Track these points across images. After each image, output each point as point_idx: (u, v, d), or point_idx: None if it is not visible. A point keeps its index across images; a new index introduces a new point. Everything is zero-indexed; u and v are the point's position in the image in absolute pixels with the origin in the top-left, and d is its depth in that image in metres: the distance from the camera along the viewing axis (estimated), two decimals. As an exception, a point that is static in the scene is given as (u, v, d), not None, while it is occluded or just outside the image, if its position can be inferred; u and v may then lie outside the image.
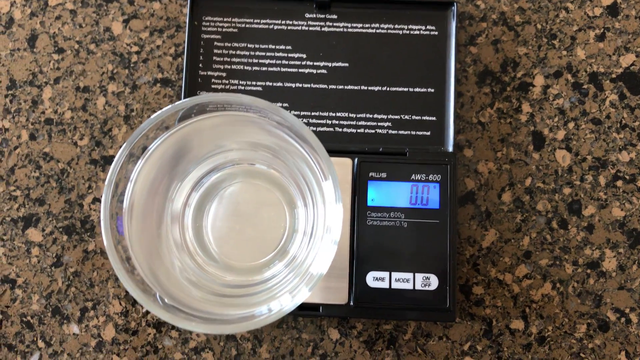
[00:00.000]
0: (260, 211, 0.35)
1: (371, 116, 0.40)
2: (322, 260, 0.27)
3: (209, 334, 0.39)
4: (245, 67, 0.41)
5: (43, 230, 0.40)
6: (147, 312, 0.39)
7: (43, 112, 0.42)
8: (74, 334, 0.39)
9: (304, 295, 0.26)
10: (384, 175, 0.38)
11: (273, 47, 0.41)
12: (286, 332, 0.39)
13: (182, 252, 0.33)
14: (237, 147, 0.34)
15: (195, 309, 0.29)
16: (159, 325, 0.39)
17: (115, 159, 0.28)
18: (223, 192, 0.35)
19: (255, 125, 0.32)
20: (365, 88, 0.40)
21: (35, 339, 0.39)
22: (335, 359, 0.38)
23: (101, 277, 0.40)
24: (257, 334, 0.39)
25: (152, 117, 0.28)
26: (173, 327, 0.39)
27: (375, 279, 0.37)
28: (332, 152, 0.38)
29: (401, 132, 0.40)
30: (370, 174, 0.38)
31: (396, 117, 0.40)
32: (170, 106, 0.28)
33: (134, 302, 0.39)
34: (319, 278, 0.26)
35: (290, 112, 0.40)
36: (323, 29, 0.41)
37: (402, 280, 0.37)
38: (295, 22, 0.41)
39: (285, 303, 0.26)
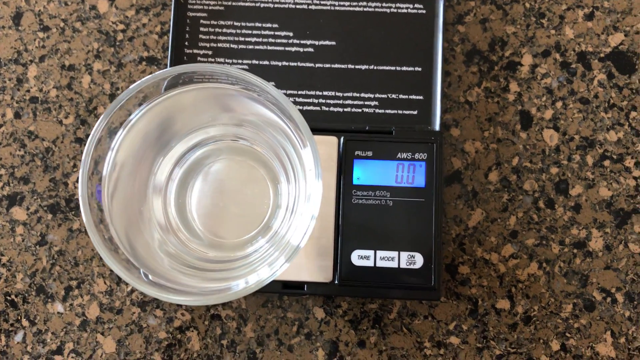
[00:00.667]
0: (244, 188, 0.35)
1: (358, 95, 0.40)
2: (300, 234, 0.27)
3: (193, 308, 0.39)
4: (232, 45, 0.40)
5: (27, 209, 0.40)
6: (132, 291, 0.39)
7: (28, 91, 0.41)
8: (58, 312, 0.39)
9: (281, 266, 0.26)
10: (369, 153, 0.38)
11: (260, 25, 0.40)
12: (271, 311, 0.39)
13: (164, 229, 0.33)
14: (220, 122, 0.33)
15: (175, 283, 0.29)
16: (143, 304, 0.39)
17: (92, 134, 0.28)
18: (207, 169, 0.35)
19: (238, 100, 0.32)
20: (352, 67, 0.40)
21: (19, 318, 0.39)
22: (320, 337, 0.38)
23: (86, 255, 0.40)
24: (242, 313, 0.38)
25: (131, 87, 0.27)
26: (157, 306, 0.39)
27: (360, 257, 0.36)
28: (318, 131, 0.38)
29: (388, 111, 0.40)
30: (356, 153, 0.38)
31: (383, 96, 0.40)
32: (150, 76, 0.28)
33: (119, 281, 0.39)
34: (296, 250, 0.26)
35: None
36: (310, 7, 0.41)
37: (387, 259, 0.36)
38: (282, 0, 0.41)
39: (263, 275, 0.26)
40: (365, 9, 0.40)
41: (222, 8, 0.41)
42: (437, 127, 0.39)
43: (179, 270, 0.31)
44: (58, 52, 0.42)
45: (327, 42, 0.40)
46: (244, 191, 0.35)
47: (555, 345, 0.38)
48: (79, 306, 0.39)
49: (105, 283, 0.39)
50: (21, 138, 0.41)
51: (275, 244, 0.31)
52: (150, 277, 0.29)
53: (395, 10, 0.40)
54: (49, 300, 0.39)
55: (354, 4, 0.40)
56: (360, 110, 0.40)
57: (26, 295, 0.39)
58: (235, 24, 0.41)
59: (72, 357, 0.39)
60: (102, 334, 0.39)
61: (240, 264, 0.31)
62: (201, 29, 0.40)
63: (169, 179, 0.34)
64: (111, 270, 0.39)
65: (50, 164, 0.41)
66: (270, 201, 0.34)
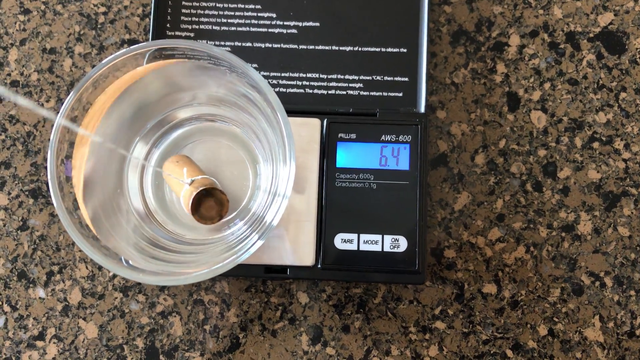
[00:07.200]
0: (223, 169, 0.34)
1: (342, 77, 0.39)
2: (273, 213, 0.26)
3: (175, 292, 0.38)
4: (214, 27, 0.40)
5: (9, 193, 0.40)
6: (114, 276, 0.39)
7: (9, 74, 0.41)
8: (40, 298, 0.39)
9: (254, 243, 0.25)
10: (353, 136, 0.37)
11: (242, 6, 0.40)
12: (255, 295, 0.38)
13: (140, 211, 0.32)
14: (197, 101, 0.33)
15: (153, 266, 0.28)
16: (125, 289, 0.38)
17: (60, 113, 0.27)
18: (185, 150, 0.34)
19: (217, 79, 0.31)
20: (337, 48, 0.39)
21: (0, 303, 0.39)
22: (304, 322, 0.38)
23: (67, 240, 0.39)
24: (224, 297, 0.38)
25: (103, 61, 0.27)
26: (140, 291, 0.38)
27: (344, 241, 0.36)
28: (302, 113, 0.37)
29: (373, 93, 0.39)
30: (339, 135, 0.37)
31: (368, 77, 0.39)
32: (125, 50, 0.27)
33: (100, 266, 0.39)
34: (269, 228, 0.25)
35: (260, 73, 0.39)
36: (293, -13, 0.40)
37: (371, 242, 0.36)
38: (265, -19, 0.40)
39: (238, 252, 0.26)
40: (349, -10, 0.40)
41: (204, -11, 0.40)
42: (422, 109, 0.38)
43: (157, 255, 0.30)
44: (39, 35, 0.41)
45: (310, 24, 0.40)
46: (223, 173, 0.34)
47: (542, 330, 0.37)
48: (60, 291, 0.39)
49: (87, 268, 0.39)
50: (2, 122, 0.40)
51: (252, 225, 0.30)
52: (130, 262, 0.29)
53: (380, -9, 0.40)
54: (31, 285, 0.39)
55: (338, -16, 0.40)
56: (344, 92, 0.39)
57: (7, 280, 0.39)
58: (218, 5, 0.40)
59: (54, 343, 0.38)
60: (84, 319, 0.38)
61: (217, 245, 0.31)
62: (183, 10, 0.40)
63: (146, 161, 0.33)
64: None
65: (32, 149, 0.40)
66: (250, 183, 0.34)
